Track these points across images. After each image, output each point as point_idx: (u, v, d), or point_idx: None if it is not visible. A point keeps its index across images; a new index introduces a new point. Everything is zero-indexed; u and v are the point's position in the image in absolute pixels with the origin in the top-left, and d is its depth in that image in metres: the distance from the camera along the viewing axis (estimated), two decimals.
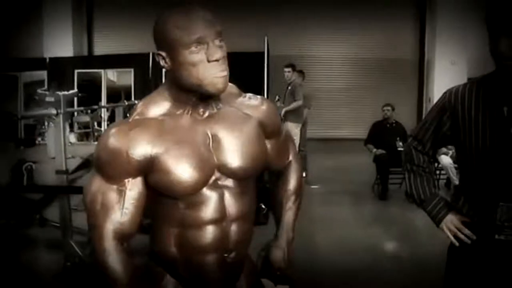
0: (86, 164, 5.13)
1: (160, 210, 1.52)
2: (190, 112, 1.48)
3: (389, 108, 7.45)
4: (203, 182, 1.46)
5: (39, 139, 12.17)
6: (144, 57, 12.74)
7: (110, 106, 10.53)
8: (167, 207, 1.49)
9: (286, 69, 8.30)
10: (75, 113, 12.14)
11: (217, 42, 1.40)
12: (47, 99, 10.07)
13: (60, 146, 4.08)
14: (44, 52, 12.96)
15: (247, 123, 1.55)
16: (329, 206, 6.60)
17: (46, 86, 12.65)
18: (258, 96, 1.66)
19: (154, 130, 1.42)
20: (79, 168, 4.98)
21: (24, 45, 12.94)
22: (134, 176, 1.43)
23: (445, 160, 7.11)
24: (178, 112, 1.47)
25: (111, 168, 1.41)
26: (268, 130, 1.63)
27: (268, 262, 1.73)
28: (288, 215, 1.79)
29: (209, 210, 1.49)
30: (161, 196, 1.46)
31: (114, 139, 1.40)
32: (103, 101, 12.82)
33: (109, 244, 1.44)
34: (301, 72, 8.85)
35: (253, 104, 1.61)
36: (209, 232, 1.50)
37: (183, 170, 1.41)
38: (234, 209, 1.52)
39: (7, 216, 5.25)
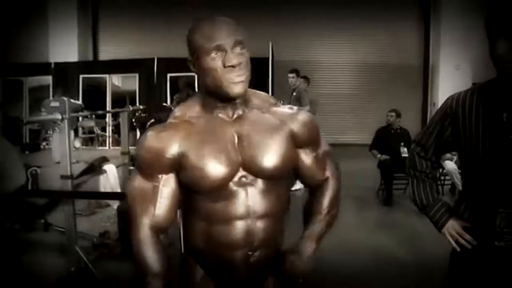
0: (91, 169, 5.16)
1: (190, 206, 1.63)
2: (219, 114, 1.60)
3: (393, 114, 7.40)
4: (228, 178, 1.55)
5: (44, 144, 12.25)
6: (149, 62, 12.80)
7: (115, 111, 10.56)
8: (196, 203, 1.60)
9: (290, 75, 8.30)
10: (80, 118, 12.18)
11: (236, 50, 1.50)
12: (52, 104, 10.13)
13: (64, 151, 4.09)
14: (49, 57, 13.02)
15: (276, 128, 1.62)
16: None
17: (51, 91, 12.71)
18: (295, 107, 1.73)
19: (185, 131, 1.56)
20: (83, 173, 4.99)
21: (29, 50, 12.99)
22: (166, 173, 1.57)
23: (450, 165, 7.09)
24: (208, 114, 1.59)
25: (147, 166, 1.57)
26: (300, 140, 1.67)
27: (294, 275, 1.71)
28: (317, 226, 1.74)
29: (234, 206, 1.57)
30: (190, 192, 1.58)
31: (149, 140, 1.56)
32: (108, 106, 12.86)
33: (145, 235, 1.58)
34: (305, 78, 8.85)
35: (287, 113, 1.67)
36: (234, 228, 1.58)
37: (208, 166, 1.52)
38: (259, 206, 1.59)
39: (12, 221, 5.26)
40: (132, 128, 8.11)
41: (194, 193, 1.58)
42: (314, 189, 1.82)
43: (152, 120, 7.09)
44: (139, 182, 1.60)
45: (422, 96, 13.56)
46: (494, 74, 1.76)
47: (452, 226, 1.94)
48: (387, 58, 13.26)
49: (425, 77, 13.47)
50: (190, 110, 1.62)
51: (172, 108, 10.41)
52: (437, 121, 1.96)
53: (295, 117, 1.66)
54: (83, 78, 12.98)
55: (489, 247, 1.81)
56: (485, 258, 1.83)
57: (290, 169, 1.68)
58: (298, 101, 8.03)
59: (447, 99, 1.94)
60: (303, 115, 1.69)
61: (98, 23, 14.21)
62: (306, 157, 1.72)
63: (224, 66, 1.48)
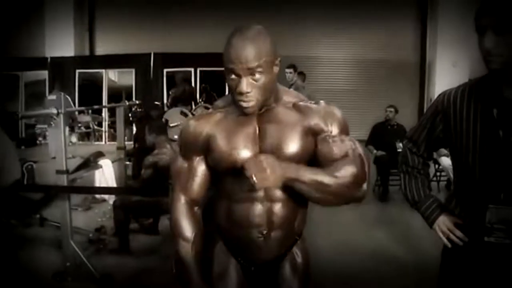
0: (87, 164, 5.14)
1: (216, 187, 1.85)
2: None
3: (392, 109, 7.41)
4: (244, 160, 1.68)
5: (40, 139, 12.22)
6: (145, 57, 12.76)
7: (111, 106, 10.53)
8: (221, 184, 1.82)
9: (288, 70, 8.28)
10: (76, 113, 12.14)
11: (250, 77, 1.63)
12: (49, 97, 10.09)
13: (60, 146, 4.07)
14: (45, 51, 12.97)
15: (295, 121, 1.74)
16: (329, 208, 6.57)
17: (47, 86, 12.67)
18: (322, 101, 1.80)
19: (216, 119, 1.79)
20: (79, 168, 4.98)
21: (26, 45, 12.95)
22: (199, 154, 1.81)
23: (446, 161, 7.09)
24: (237, 108, 1.74)
25: (185, 148, 1.84)
26: (318, 127, 1.74)
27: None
28: (315, 169, 1.67)
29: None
30: (217, 174, 1.81)
31: (188, 126, 1.82)
32: (104, 101, 12.83)
33: (180, 205, 1.82)
34: (302, 74, 8.83)
35: (310, 107, 1.77)
36: (252, 208, 1.76)
37: (232, 149, 1.72)
38: (276, 191, 1.74)
39: (7, 216, 5.25)
40: (128, 123, 8.09)
41: (220, 174, 1.79)
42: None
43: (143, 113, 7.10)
44: (179, 162, 1.85)
45: (419, 93, 13.58)
46: None
47: (443, 222, 1.94)
48: (384, 55, 13.25)
49: (422, 74, 13.49)
50: (224, 102, 1.86)
51: (167, 105, 10.39)
52: (428, 118, 1.95)
53: (318, 110, 1.76)
54: (79, 73, 12.94)
55: (479, 243, 1.81)
56: (476, 253, 1.83)
57: (307, 157, 1.73)
58: None
59: (439, 95, 1.92)
60: (328, 108, 1.78)
61: (95, 18, 14.16)
62: (324, 141, 1.73)
63: (235, 91, 1.65)
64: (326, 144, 1.72)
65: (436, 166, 7.45)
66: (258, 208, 1.76)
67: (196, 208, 1.84)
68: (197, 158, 1.82)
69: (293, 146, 1.72)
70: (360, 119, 12.48)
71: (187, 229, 1.80)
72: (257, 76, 1.63)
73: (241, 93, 1.64)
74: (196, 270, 1.78)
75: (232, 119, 1.78)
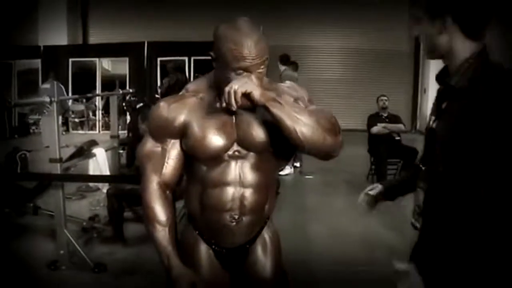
0: (80, 153, 5.13)
1: (189, 172, 1.85)
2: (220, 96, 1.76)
3: (385, 98, 7.30)
4: (224, 150, 1.76)
5: (33, 127, 12.17)
6: (139, 46, 12.70)
7: (105, 94, 10.47)
8: (194, 168, 1.82)
9: (280, 59, 8.26)
10: (70, 102, 12.10)
11: (258, 71, 1.68)
12: (43, 85, 10.04)
13: (53, 135, 4.05)
14: (38, 40, 12.88)
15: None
16: (324, 196, 6.60)
17: (40, 75, 12.60)
18: (289, 83, 1.95)
19: (191, 105, 1.78)
20: (72, 156, 4.96)
21: (19, 33, 12.84)
22: (174, 138, 1.79)
23: None
24: (213, 94, 1.79)
25: (157, 131, 1.80)
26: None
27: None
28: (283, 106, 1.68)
29: (226, 174, 1.78)
30: (192, 159, 1.80)
31: (161, 108, 1.79)
32: (98, 90, 12.77)
33: (154, 189, 1.79)
34: (294, 63, 8.79)
35: (278, 89, 1.83)
36: (225, 193, 1.78)
37: (208, 138, 1.73)
38: (248, 177, 1.79)
39: (1, 205, 5.24)
40: (122, 112, 8.07)
41: (193, 159, 1.80)
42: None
43: (141, 104, 7.07)
44: (150, 144, 1.81)
45: (413, 82, 13.59)
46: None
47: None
48: (378, 44, 13.25)
49: (416, 63, 13.50)
50: (198, 87, 1.84)
51: (161, 94, 10.37)
52: None
53: (284, 89, 1.85)
54: (73, 61, 12.87)
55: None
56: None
57: (279, 144, 1.77)
58: None
59: None
60: (294, 86, 1.93)
61: (88, 7, 14.07)
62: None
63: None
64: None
65: None
66: (231, 193, 1.79)
67: (168, 192, 1.82)
68: (171, 141, 1.80)
69: (266, 135, 1.76)
70: (353, 108, 12.54)
71: (162, 213, 1.77)
72: (262, 69, 1.70)
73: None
74: (175, 254, 1.74)
75: (209, 105, 1.78)
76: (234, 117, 1.77)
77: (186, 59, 12.66)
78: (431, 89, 11.54)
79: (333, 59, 13.62)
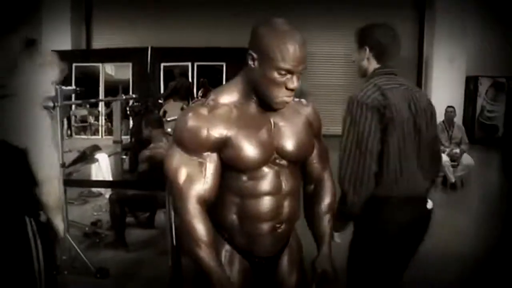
0: (83, 158, 5.12)
1: (225, 182, 1.76)
2: (256, 103, 1.76)
3: None
4: (265, 160, 1.74)
5: None
6: (142, 51, 12.72)
7: (108, 99, 10.48)
8: (232, 180, 1.76)
9: None
10: (73, 107, 12.11)
11: (299, 74, 1.69)
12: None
13: (56, 139, 4.05)
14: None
15: (300, 117, 1.87)
16: None
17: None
18: (304, 100, 1.95)
19: (228, 115, 1.72)
20: (75, 161, 4.96)
21: (22, 38, 12.85)
22: (212, 151, 1.70)
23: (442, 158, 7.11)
24: (247, 102, 1.76)
25: (193, 143, 1.69)
26: (313, 129, 1.92)
27: (318, 272, 1.91)
28: (327, 227, 1.96)
29: (267, 184, 1.77)
30: (228, 170, 1.74)
31: (195, 119, 1.69)
32: (101, 95, 12.78)
33: (194, 207, 1.67)
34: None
35: (303, 106, 1.92)
36: (266, 203, 1.77)
37: (250, 149, 1.70)
38: (287, 185, 1.80)
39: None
40: (125, 117, 8.07)
41: (231, 171, 1.74)
42: (312, 184, 2.01)
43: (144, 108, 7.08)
44: (183, 158, 1.70)
45: None
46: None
47: None
48: None
49: (419, 70, 13.47)
50: (229, 95, 1.76)
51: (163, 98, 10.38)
52: None
53: (308, 109, 1.92)
54: (76, 66, 12.89)
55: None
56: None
57: (311, 153, 1.93)
58: None
59: None
60: (312, 107, 1.94)
61: (92, 12, 14.09)
62: (316, 146, 1.95)
63: (286, 88, 1.68)
64: (316, 152, 1.96)
65: None
66: (272, 202, 1.78)
67: (205, 208, 1.71)
68: (209, 154, 1.70)
69: (304, 146, 1.84)
70: None
71: (207, 233, 1.67)
72: (302, 73, 1.71)
73: (292, 90, 1.69)
74: (223, 270, 1.70)
75: (245, 114, 1.74)
76: (272, 125, 1.78)
77: (190, 64, 12.69)
78: (435, 96, 11.51)
79: (334, 65, 13.59)
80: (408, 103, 2.17)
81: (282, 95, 1.69)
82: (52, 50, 2.32)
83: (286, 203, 1.81)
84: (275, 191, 1.78)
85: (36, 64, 2.21)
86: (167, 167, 1.72)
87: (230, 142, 1.70)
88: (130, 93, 11.37)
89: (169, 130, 5.33)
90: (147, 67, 12.77)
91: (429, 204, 2.30)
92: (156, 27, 13.18)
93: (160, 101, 10.40)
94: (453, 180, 7.28)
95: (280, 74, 1.64)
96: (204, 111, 1.71)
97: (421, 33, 13.30)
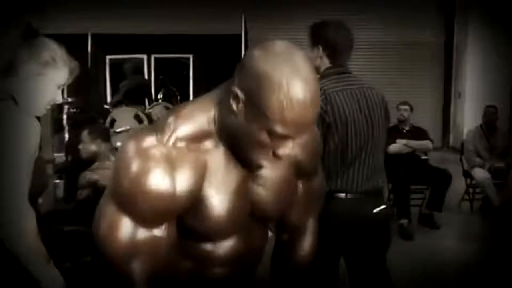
0: None
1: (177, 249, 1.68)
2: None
3: (406, 107, 7.18)
4: (236, 231, 1.69)
5: None
6: (80, 38, 12.63)
7: None
8: (187, 247, 1.69)
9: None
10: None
11: (298, 140, 1.52)
12: None
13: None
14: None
15: (287, 166, 1.72)
16: None
17: None
18: None
19: (200, 167, 1.55)
20: None
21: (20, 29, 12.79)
22: (173, 218, 1.58)
23: (480, 174, 6.97)
24: (218, 142, 1.58)
25: (151, 209, 1.51)
26: (300, 167, 1.79)
27: None
28: None
29: (225, 251, 1.71)
30: (183, 236, 1.65)
31: (156, 171, 1.49)
32: None
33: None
34: None
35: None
36: (222, 248, 1.70)
37: (220, 221, 1.61)
38: (255, 243, 1.81)
39: None
40: (58, 129, 7.99)
41: (188, 238, 1.65)
42: (286, 234, 1.99)
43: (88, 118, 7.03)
44: (130, 231, 1.54)
45: (444, 84, 13.54)
46: None
47: None
48: (396, 35, 13.02)
49: (448, 59, 13.41)
50: (194, 127, 1.57)
51: (112, 104, 10.33)
52: None
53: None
54: None
55: None
56: None
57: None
58: None
59: None
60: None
61: None
62: (299, 190, 1.87)
63: (274, 154, 1.50)
64: (299, 195, 1.87)
65: (468, 180, 7.43)
66: (229, 250, 1.74)
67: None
68: (169, 223, 1.58)
69: (289, 199, 1.80)
70: None
71: None
72: (305, 135, 1.60)
73: (280, 157, 1.52)
74: None
75: (217, 164, 1.58)
76: (247, 175, 1.65)
77: (145, 57, 12.63)
78: (468, 92, 11.54)
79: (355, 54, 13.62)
80: (358, 102, 2.81)
81: (259, 158, 1.55)
82: (58, 44, 2.28)
83: (245, 253, 1.77)
84: (240, 255, 1.75)
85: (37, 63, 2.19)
86: (101, 235, 1.58)
87: (199, 207, 1.58)
88: (65, 95, 11.28)
89: (118, 144, 5.30)
90: (87, 60, 12.69)
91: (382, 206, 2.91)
92: (100, 11, 12.97)
93: (106, 106, 10.29)
94: (497, 204, 6.89)
95: (270, 137, 1.46)
96: (163, 158, 1.50)
97: (452, 10, 13.27)
